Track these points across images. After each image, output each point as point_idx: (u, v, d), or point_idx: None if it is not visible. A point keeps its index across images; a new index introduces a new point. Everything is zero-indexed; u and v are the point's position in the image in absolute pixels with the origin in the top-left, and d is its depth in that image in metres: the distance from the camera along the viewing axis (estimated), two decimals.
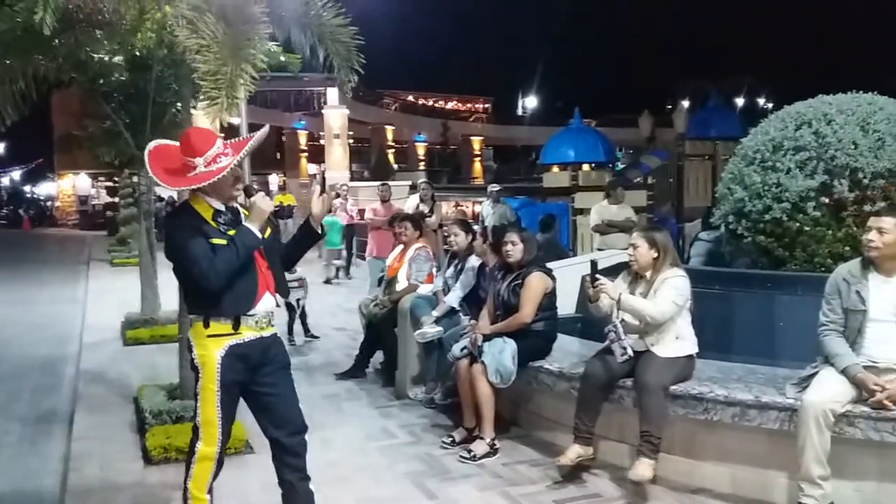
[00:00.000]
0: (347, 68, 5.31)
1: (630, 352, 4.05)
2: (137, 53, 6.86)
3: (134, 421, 5.28)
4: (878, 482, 3.62)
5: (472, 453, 4.51)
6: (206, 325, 3.07)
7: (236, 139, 3.24)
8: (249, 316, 3.10)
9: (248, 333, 3.11)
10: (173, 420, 4.83)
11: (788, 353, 4.52)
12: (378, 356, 6.62)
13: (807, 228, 5.32)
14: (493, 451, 4.55)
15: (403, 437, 5.00)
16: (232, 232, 3.05)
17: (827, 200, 5.28)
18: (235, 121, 17.30)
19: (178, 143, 3.13)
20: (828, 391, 3.58)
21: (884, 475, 3.60)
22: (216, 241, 3.01)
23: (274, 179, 36.54)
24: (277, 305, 3.27)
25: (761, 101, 35.23)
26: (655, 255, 4.19)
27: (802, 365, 3.90)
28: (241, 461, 4.46)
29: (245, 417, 4.84)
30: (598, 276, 4.15)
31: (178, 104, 6.71)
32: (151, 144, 3.17)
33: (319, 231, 3.39)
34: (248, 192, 3.20)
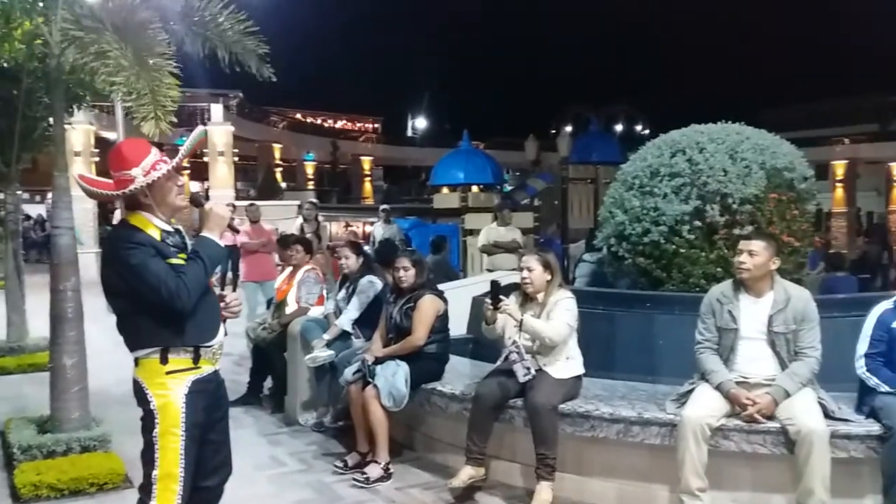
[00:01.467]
0: (258, 59, 5.19)
1: (533, 371, 4.12)
2: (5, 65, 6.47)
3: (0, 456, 4.92)
4: (752, 492, 3.83)
5: (366, 476, 4.45)
6: (165, 361, 2.73)
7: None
8: (207, 347, 2.83)
9: (206, 367, 2.83)
10: (44, 455, 4.52)
11: (668, 370, 4.71)
12: (267, 382, 6.45)
13: (682, 250, 5.57)
14: (387, 475, 4.51)
15: (293, 464, 4.88)
16: (183, 255, 2.78)
17: (700, 224, 5.56)
18: (111, 135, 16.60)
19: (102, 179, 2.86)
20: (704, 406, 3.76)
21: (757, 485, 3.82)
22: (173, 261, 2.72)
23: None
24: (225, 334, 2.99)
25: (638, 127, 36.95)
26: (549, 277, 4.31)
27: (681, 381, 4.09)
28: (119, 497, 4.23)
29: (130, 447, 4.63)
30: (501, 297, 4.20)
31: (51, 119, 6.36)
32: (76, 175, 2.88)
33: None
34: (197, 202, 2.96)
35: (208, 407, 2.84)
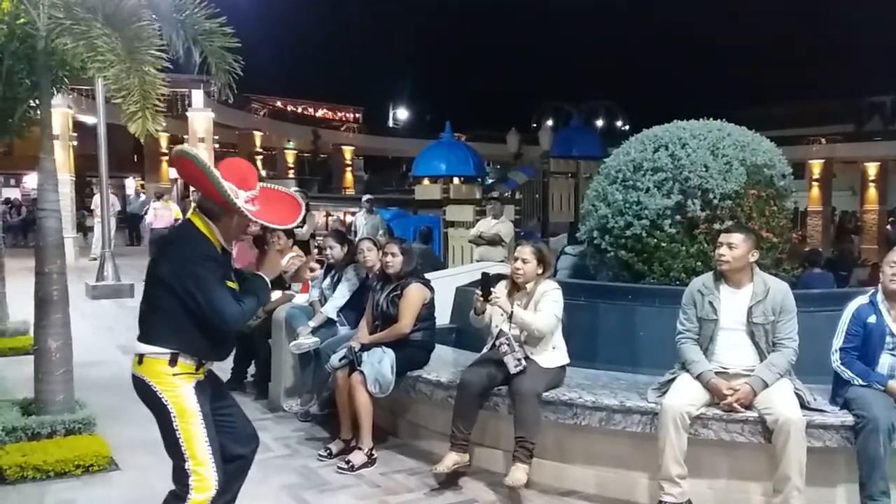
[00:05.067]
0: (225, 72, 5.18)
1: (524, 362, 4.18)
2: None
3: None
4: (729, 479, 3.94)
5: (350, 464, 4.50)
6: (174, 364, 2.83)
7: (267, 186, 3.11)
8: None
9: (202, 373, 2.97)
10: (29, 437, 4.52)
11: (648, 360, 4.82)
12: (250, 368, 6.47)
13: (663, 244, 5.66)
14: (370, 461, 4.57)
15: (279, 450, 4.91)
16: (233, 284, 2.94)
17: (681, 218, 5.65)
18: (90, 120, 16.37)
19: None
20: (684, 395, 3.85)
21: (733, 473, 3.92)
22: (230, 284, 2.90)
23: (130, 183, 34.69)
24: None
25: (619, 123, 37.21)
26: (541, 270, 4.38)
27: (661, 371, 4.19)
28: (105, 479, 4.26)
29: (114, 431, 4.66)
30: (492, 289, 4.26)
31: (30, 101, 6.28)
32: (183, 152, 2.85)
33: None
34: (262, 241, 3.17)
35: (211, 396, 2.97)
